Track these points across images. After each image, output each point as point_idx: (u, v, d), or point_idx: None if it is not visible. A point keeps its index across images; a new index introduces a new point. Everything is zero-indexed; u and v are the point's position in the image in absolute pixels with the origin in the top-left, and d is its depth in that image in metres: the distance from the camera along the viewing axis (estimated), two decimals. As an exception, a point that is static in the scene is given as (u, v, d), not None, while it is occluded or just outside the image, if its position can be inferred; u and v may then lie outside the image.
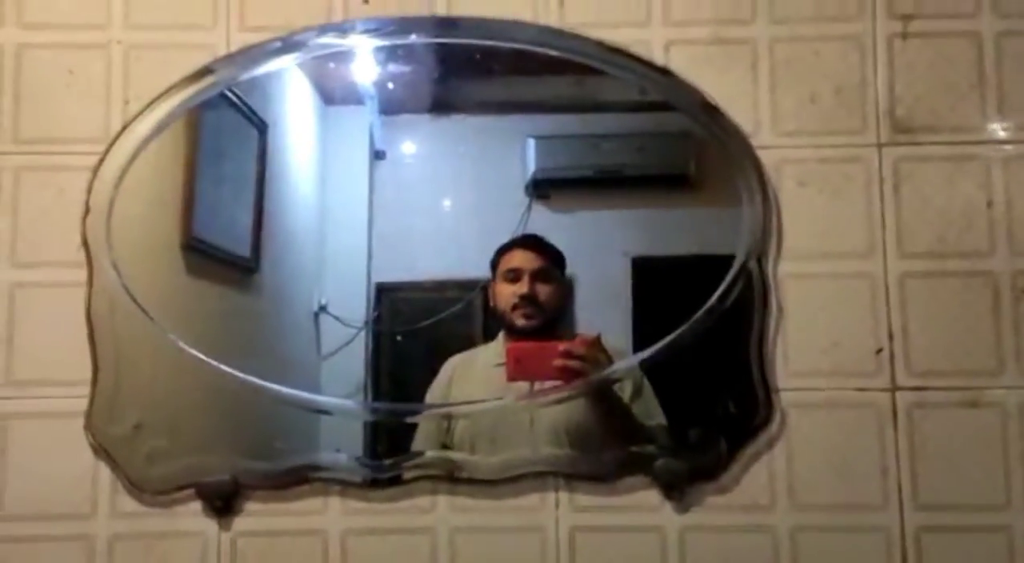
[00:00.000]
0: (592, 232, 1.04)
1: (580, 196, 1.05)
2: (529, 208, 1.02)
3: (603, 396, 1.01)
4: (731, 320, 1.01)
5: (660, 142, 1.05)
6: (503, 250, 1.04)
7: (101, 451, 0.99)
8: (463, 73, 1.04)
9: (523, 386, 1.00)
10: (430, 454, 1.01)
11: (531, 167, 1.03)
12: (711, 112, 1.05)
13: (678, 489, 1.00)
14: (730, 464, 1.01)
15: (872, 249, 1.04)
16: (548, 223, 1.02)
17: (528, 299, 1.02)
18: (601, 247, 1.03)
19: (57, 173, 1.03)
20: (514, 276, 1.03)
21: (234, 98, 1.01)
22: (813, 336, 1.03)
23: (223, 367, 0.99)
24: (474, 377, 1.04)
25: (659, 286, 1.02)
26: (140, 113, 1.04)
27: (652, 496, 1.01)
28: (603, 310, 1.03)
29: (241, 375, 0.99)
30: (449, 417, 1.01)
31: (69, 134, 1.04)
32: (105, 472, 1.00)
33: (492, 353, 1.04)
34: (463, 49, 1.03)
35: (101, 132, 1.04)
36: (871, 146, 1.05)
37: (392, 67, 1.03)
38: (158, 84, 1.04)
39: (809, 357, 1.03)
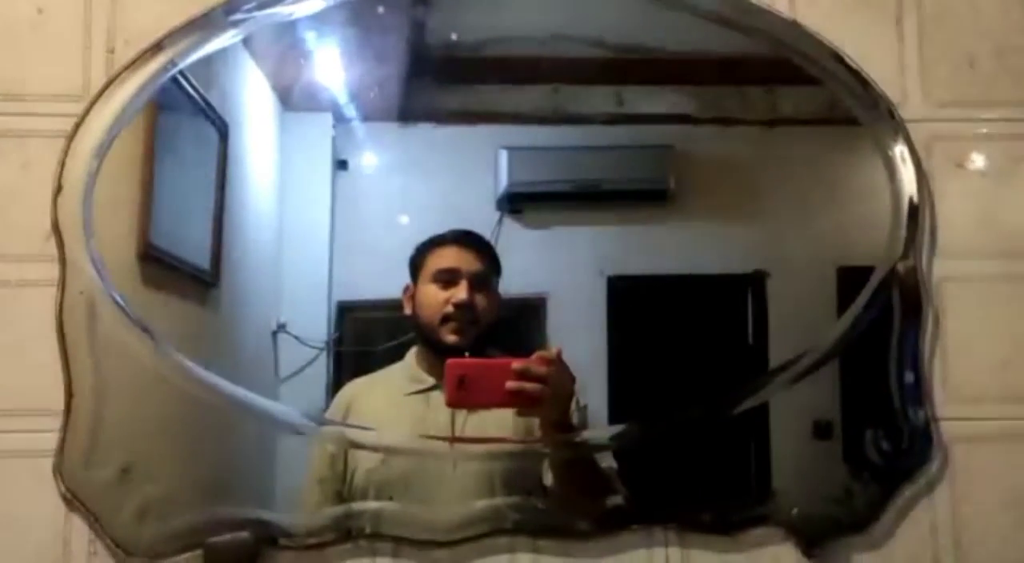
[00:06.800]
0: (567, 249, 1.02)
1: (555, 211, 1.03)
2: (500, 223, 0.99)
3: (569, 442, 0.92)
4: (870, 335, 0.94)
5: (639, 155, 1.04)
6: (431, 246, 0.96)
7: (76, 502, 0.90)
8: (433, 78, 1.03)
9: (443, 423, 0.91)
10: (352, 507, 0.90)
11: (504, 180, 1.00)
12: (844, 73, 0.97)
13: (819, 544, 0.91)
14: (882, 512, 0.92)
15: (1047, 245, 0.98)
16: (521, 239, 0.99)
17: (465, 308, 0.93)
18: (576, 265, 1.01)
19: (21, 141, 0.94)
20: (448, 278, 0.95)
21: (192, 91, 0.96)
22: (979, 353, 0.95)
23: (249, 395, 0.91)
24: (377, 409, 0.94)
25: (637, 306, 1.00)
26: (131, 64, 0.93)
27: (786, 553, 0.92)
28: (577, 332, 0.99)
29: (274, 407, 0.92)
30: (345, 458, 0.93)
31: (36, 90, 0.95)
32: (81, 530, 0.90)
33: (400, 378, 0.95)
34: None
35: (79, 88, 0.95)
36: (1042, 120, 1.00)
37: (356, 70, 1.01)
38: (153, 26, 0.94)
39: (975, 379, 0.95)
